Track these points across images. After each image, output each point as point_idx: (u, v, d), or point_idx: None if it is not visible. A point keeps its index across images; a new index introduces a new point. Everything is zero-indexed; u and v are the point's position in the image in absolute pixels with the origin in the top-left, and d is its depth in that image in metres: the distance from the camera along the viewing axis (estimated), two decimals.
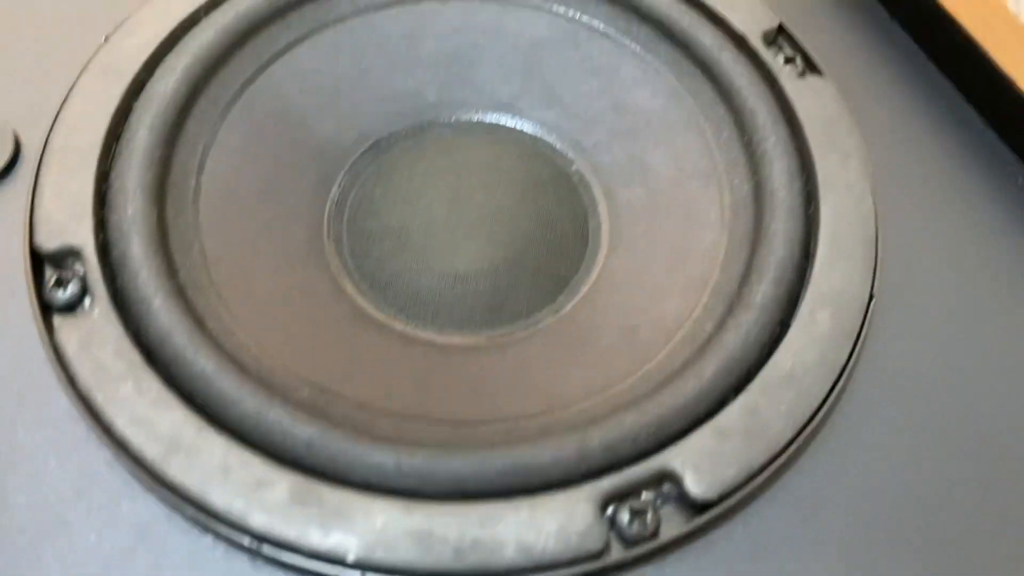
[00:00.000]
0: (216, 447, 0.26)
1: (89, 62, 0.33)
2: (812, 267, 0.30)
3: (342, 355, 0.31)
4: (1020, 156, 0.34)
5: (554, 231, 0.35)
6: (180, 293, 0.29)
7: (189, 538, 0.25)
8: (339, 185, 0.36)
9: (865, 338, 0.29)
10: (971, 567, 0.26)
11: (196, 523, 0.25)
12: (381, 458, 0.26)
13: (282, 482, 0.25)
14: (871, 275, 0.30)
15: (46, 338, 0.28)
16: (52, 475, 0.26)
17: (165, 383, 0.27)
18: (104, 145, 0.31)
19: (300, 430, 0.26)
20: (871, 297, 0.30)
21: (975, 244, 0.32)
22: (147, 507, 0.26)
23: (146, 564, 0.25)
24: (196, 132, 0.33)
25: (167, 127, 0.32)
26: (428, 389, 0.30)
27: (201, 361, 0.27)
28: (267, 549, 0.25)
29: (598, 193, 0.36)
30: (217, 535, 0.25)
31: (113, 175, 0.31)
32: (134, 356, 0.27)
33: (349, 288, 0.33)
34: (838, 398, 0.28)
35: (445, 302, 0.33)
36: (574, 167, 0.37)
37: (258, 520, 0.25)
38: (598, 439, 0.26)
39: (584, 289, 0.34)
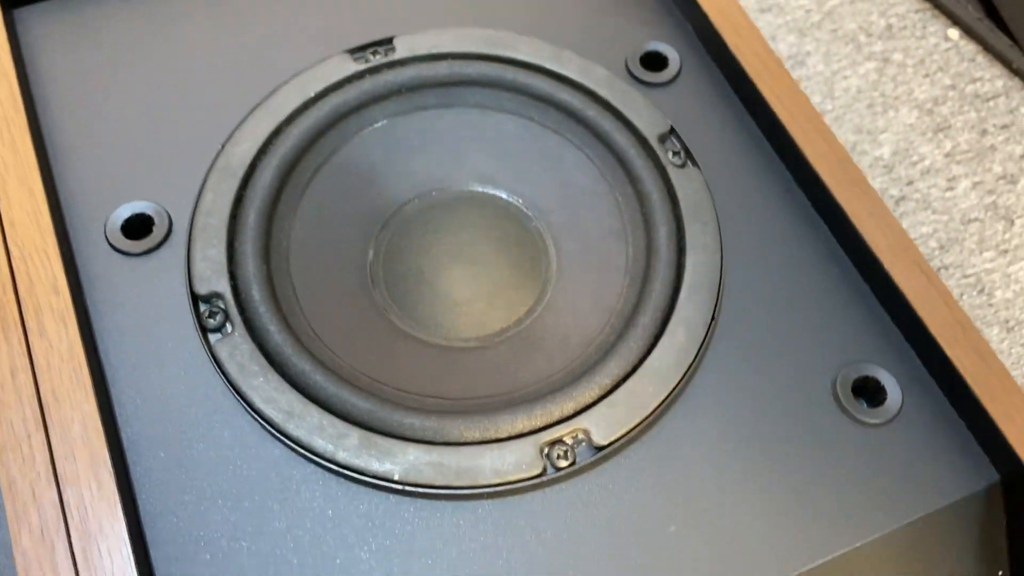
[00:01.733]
0: (314, 414, 0.44)
1: (213, 163, 0.51)
2: (678, 299, 0.49)
3: (385, 356, 0.49)
4: (824, 221, 0.52)
5: (520, 270, 0.54)
6: (284, 320, 0.47)
7: (300, 469, 0.44)
8: (376, 239, 0.54)
9: (707, 347, 0.48)
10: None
11: (306, 459, 0.44)
12: (410, 421, 0.44)
13: (353, 434, 0.44)
14: (714, 305, 0.48)
15: (207, 349, 0.46)
16: (215, 437, 0.45)
17: (282, 376, 0.45)
18: (229, 223, 0.49)
19: (363, 404, 0.45)
20: (713, 319, 0.48)
21: (783, 281, 0.50)
22: (275, 452, 0.45)
23: (276, 486, 0.44)
24: (285, 210, 0.51)
25: (266, 208, 0.50)
26: (439, 378, 0.49)
27: (301, 363, 0.46)
28: (348, 472, 0.43)
29: (550, 243, 0.55)
30: (318, 465, 0.44)
31: (236, 244, 0.49)
32: (262, 361, 0.46)
33: (387, 311, 0.52)
34: (686, 383, 0.47)
35: (449, 319, 0.52)
36: (534, 224, 0.55)
37: (342, 456, 0.43)
38: (541, 412, 0.45)
39: (538, 311, 0.52)
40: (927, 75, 1.11)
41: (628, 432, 0.45)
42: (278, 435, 0.44)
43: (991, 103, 1.07)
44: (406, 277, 0.53)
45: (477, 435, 0.44)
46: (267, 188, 0.50)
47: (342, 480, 0.44)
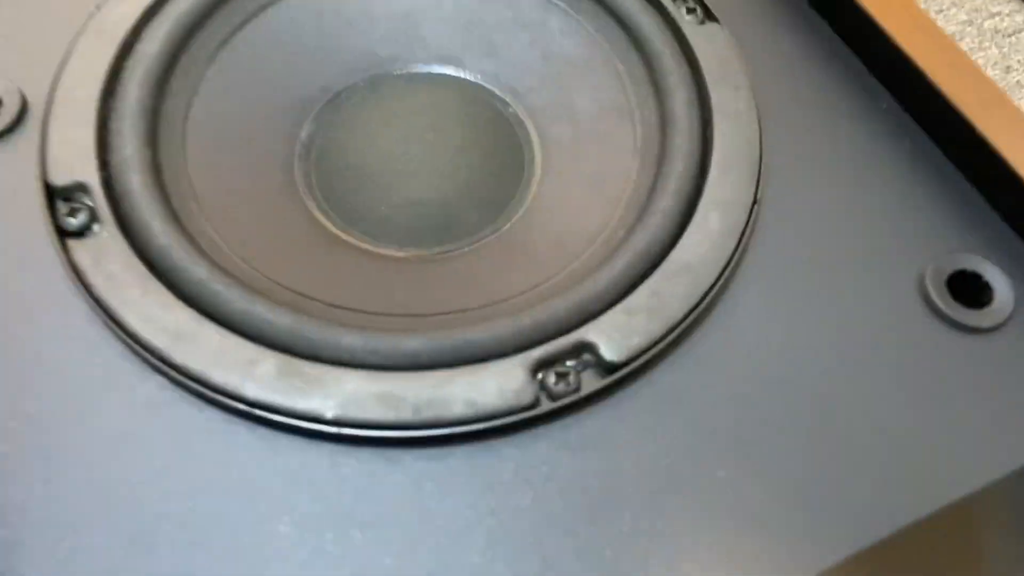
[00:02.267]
0: (213, 335, 0.32)
1: (83, 27, 0.39)
2: (706, 179, 0.37)
3: (315, 268, 0.37)
4: (883, 84, 0.40)
5: (494, 164, 0.42)
6: (174, 218, 0.35)
7: (194, 410, 0.31)
8: (306, 132, 0.41)
9: (750, 235, 0.36)
10: (828, 427, 0.33)
11: (199, 397, 0.31)
12: (351, 340, 0.32)
13: (269, 360, 0.31)
14: (755, 184, 0.37)
15: (63, 257, 0.33)
16: (73, 369, 0.32)
17: (167, 288, 0.33)
18: (101, 99, 0.37)
19: (282, 320, 0.32)
20: (755, 202, 0.36)
21: (845, 158, 0.39)
22: (157, 388, 0.32)
23: (159, 437, 0.31)
24: (180, 87, 0.39)
25: (154, 83, 0.38)
26: (390, 293, 0.36)
27: (196, 270, 0.33)
28: (259, 413, 0.31)
29: (531, 130, 0.42)
30: (217, 405, 0.31)
31: (111, 124, 0.37)
32: (140, 268, 0.33)
33: (319, 216, 0.39)
34: (726, 283, 0.34)
35: (402, 224, 0.39)
36: (511, 109, 0.43)
37: (251, 390, 0.31)
38: (529, 319, 0.33)
39: (520, 211, 0.40)
40: (940, 11, 1.01)
41: (651, 346, 0.33)
42: (162, 366, 0.31)
43: (1012, 39, 0.98)
44: (346, 177, 0.41)
45: (444, 354, 0.32)
46: (156, 58, 0.38)
47: (253, 425, 0.31)
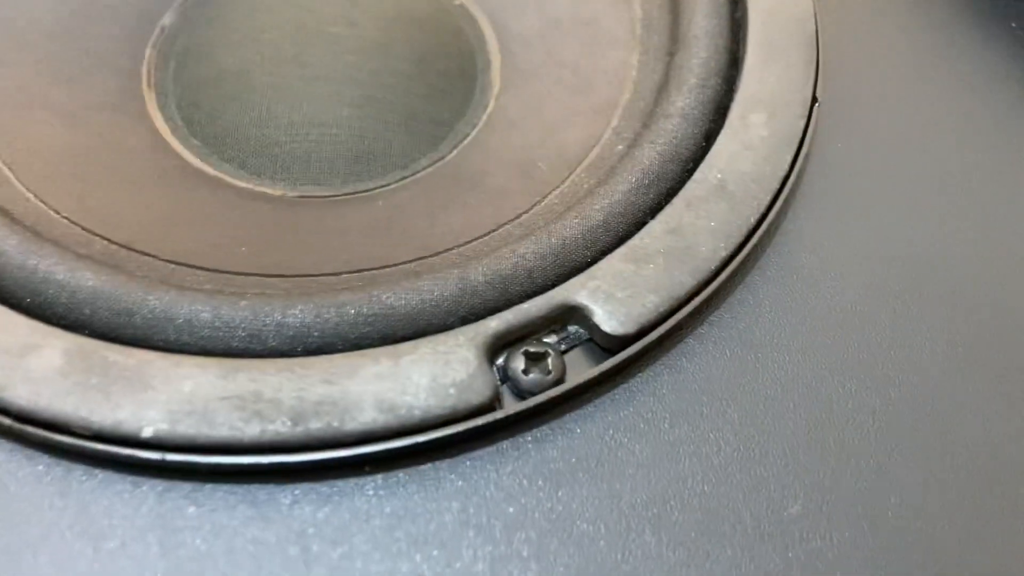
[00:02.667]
0: None
1: None
2: (741, 71, 0.25)
3: (158, 212, 0.25)
4: None
5: (433, 71, 0.30)
6: None
7: None
8: (162, 27, 0.29)
9: (810, 145, 0.24)
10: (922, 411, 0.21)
11: None
12: (190, 310, 0.20)
13: (53, 346, 0.19)
14: (813, 76, 0.25)
15: None
16: None
17: None
18: None
19: (80, 282, 0.20)
20: (815, 100, 0.25)
21: (928, 42, 0.27)
22: None
23: None
24: None
25: None
26: (272, 246, 0.24)
27: None
28: (32, 430, 0.18)
29: (485, 27, 0.31)
30: None
31: None
32: None
33: (174, 142, 0.27)
34: (781, 213, 0.23)
35: (298, 154, 0.27)
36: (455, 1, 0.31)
37: (21, 393, 0.19)
38: (481, 272, 0.21)
39: (472, 132, 0.28)
40: None
41: (673, 311, 0.21)
42: None
43: None
44: (216, 86, 0.28)
45: (345, 329, 0.20)
46: None
47: (20, 449, 0.19)
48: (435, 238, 0.24)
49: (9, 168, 0.23)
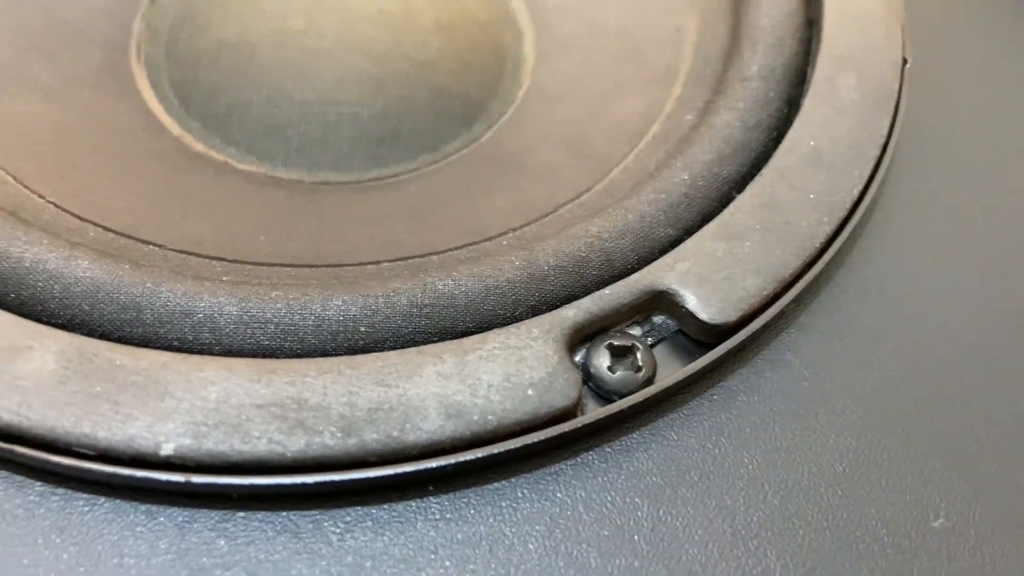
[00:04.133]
0: None
1: None
2: (820, 31, 0.23)
3: (158, 198, 0.22)
4: None
5: (458, 43, 0.27)
6: None
7: None
8: None
9: (905, 109, 0.22)
10: None
11: None
12: (211, 303, 0.17)
13: (46, 347, 0.16)
14: (900, 36, 0.23)
15: None
16: None
17: None
18: None
19: (76, 272, 0.17)
20: (904, 60, 0.22)
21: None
22: None
23: None
24: None
25: None
26: (294, 235, 0.22)
27: None
28: (23, 451, 0.15)
29: None
30: None
31: None
32: None
33: (169, 121, 0.24)
34: (885, 180, 0.20)
35: (313, 136, 0.25)
36: None
37: (7, 405, 0.16)
38: (552, 255, 0.18)
39: (509, 111, 0.26)
40: None
41: (776, 296, 0.18)
42: None
43: None
44: (215, 61, 0.26)
45: (395, 325, 0.17)
46: None
47: (8, 475, 0.16)
48: (483, 222, 0.21)
49: None
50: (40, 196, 0.20)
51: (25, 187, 0.20)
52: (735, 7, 0.24)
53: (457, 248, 0.21)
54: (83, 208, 0.20)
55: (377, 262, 0.20)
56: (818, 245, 0.19)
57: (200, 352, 0.17)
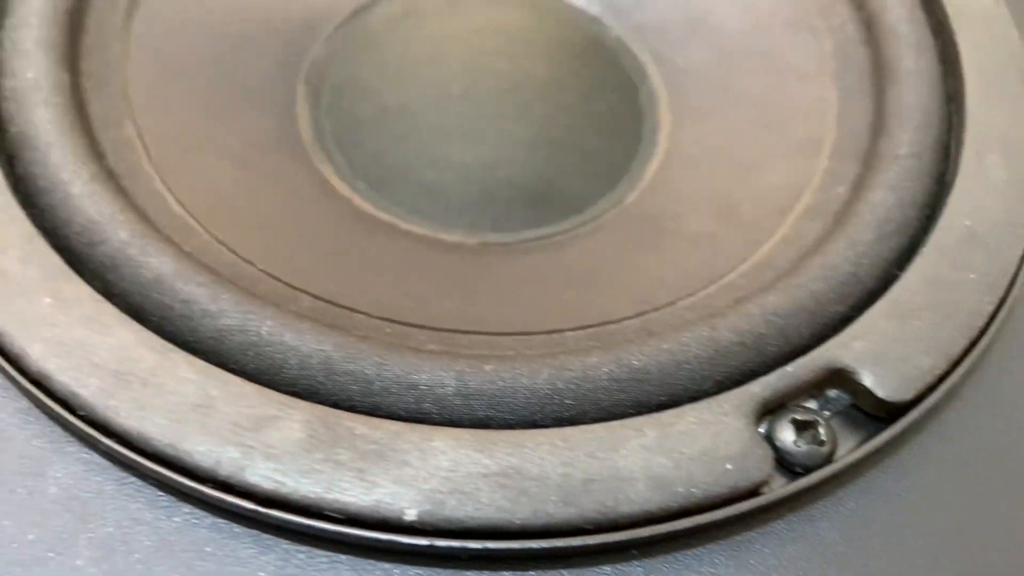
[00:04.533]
0: (188, 374, 0.18)
1: None
2: (963, 109, 0.24)
3: (344, 263, 0.23)
4: None
5: (599, 108, 0.29)
6: (108, 178, 0.21)
7: (153, 511, 0.18)
8: (316, 57, 0.28)
9: None
10: None
11: (163, 488, 0.18)
12: (432, 376, 0.19)
13: (292, 416, 0.18)
14: None
15: None
16: None
17: (101, 293, 0.19)
18: None
19: (311, 345, 0.19)
20: None
21: None
22: (84, 471, 0.18)
23: (90, 552, 0.17)
24: None
25: None
26: (472, 298, 0.23)
27: (153, 260, 0.19)
28: (277, 515, 0.17)
29: (645, 58, 0.30)
30: (196, 502, 0.18)
31: (2, 34, 0.23)
32: (52, 260, 0.20)
33: (338, 183, 0.26)
34: None
35: (471, 197, 0.26)
36: (612, 32, 0.30)
37: (263, 472, 0.17)
38: (733, 331, 0.20)
39: (650, 171, 0.27)
40: None
41: (949, 371, 0.20)
42: (92, 431, 0.18)
43: None
44: (377, 125, 0.27)
45: (598, 398, 0.19)
46: None
47: (265, 537, 0.18)
48: (646, 289, 0.23)
49: (192, 215, 0.22)
50: (251, 263, 0.22)
51: (236, 255, 0.22)
52: (875, 79, 0.26)
53: (630, 318, 0.22)
54: (290, 275, 0.22)
55: (560, 331, 0.22)
56: (981, 324, 0.20)
57: (422, 421, 0.18)
